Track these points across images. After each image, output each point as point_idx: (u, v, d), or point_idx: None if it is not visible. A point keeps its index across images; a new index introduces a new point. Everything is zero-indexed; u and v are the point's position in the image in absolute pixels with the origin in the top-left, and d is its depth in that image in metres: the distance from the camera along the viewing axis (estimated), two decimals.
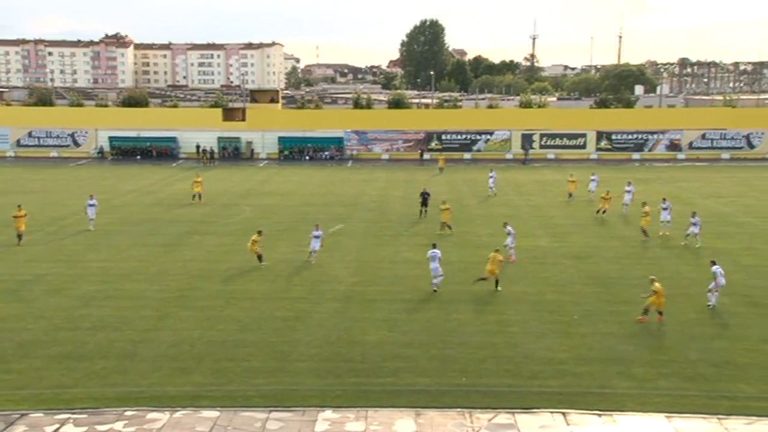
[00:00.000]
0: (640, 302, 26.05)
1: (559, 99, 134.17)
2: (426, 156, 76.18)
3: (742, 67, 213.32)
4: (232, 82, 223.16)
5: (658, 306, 25.08)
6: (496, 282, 29.08)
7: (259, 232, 33.60)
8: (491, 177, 54.88)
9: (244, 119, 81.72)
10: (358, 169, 71.25)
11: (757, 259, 33.69)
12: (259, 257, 32.81)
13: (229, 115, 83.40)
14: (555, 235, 39.28)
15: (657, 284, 25.15)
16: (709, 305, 26.55)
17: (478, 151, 78.36)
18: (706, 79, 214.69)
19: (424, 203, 44.69)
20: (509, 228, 34.67)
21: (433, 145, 78.33)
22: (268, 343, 23.46)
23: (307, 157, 78.16)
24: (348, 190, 56.81)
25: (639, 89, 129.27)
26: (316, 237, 33.45)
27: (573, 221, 43.31)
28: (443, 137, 78.60)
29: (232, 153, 78.96)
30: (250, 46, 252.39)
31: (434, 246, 29.92)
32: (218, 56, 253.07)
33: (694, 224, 36.83)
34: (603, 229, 41.09)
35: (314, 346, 23.21)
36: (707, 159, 75.10)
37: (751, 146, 76.28)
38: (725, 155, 75.78)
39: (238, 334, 24.30)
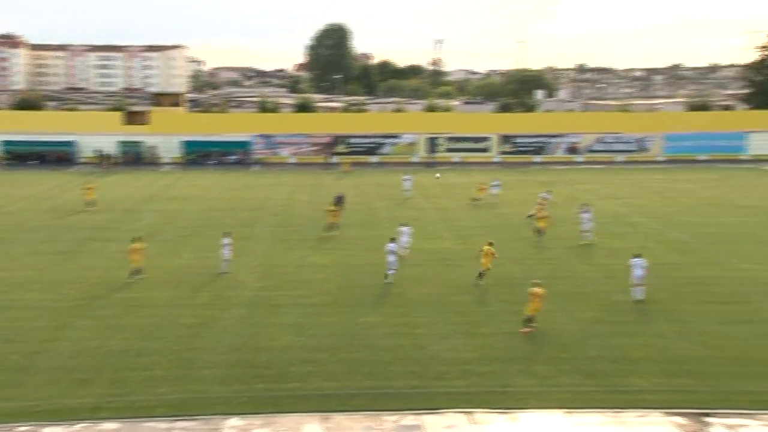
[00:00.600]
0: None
1: (463, 103, 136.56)
2: (334, 159, 76.12)
3: (634, 74, 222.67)
4: (133, 85, 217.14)
5: (534, 313, 24.76)
6: (480, 274, 30.40)
7: (139, 239, 32.00)
8: (407, 180, 55.26)
9: (146, 123, 79.63)
10: (265, 173, 70.54)
11: (649, 258, 34.95)
12: (137, 270, 30.79)
13: (131, 118, 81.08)
14: (460, 238, 39.86)
15: (536, 289, 24.83)
16: (635, 299, 27.52)
17: (385, 154, 78.85)
18: (601, 85, 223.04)
19: (339, 207, 44.71)
20: (404, 228, 35.58)
21: (340, 148, 78.36)
22: (171, 351, 22.89)
23: (213, 162, 76.81)
24: (254, 194, 56.15)
25: (540, 94, 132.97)
26: (226, 245, 32.69)
27: (478, 223, 44.10)
28: (350, 141, 78.72)
29: (134, 158, 76.77)
30: (152, 48, 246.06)
31: (392, 240, 31.42)
32: (119, 58, 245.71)
33: (586, 212, 39.11)
34: (507, 231, 41.97)
35: (220, 352, 22.79)
36: (604, 162, 77.92)
37: (644, 149, 79.64)
38: (620, 158, 78.82)
39: (140, 342, 23.61)
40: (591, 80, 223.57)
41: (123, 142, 77.15)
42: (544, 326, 24.93)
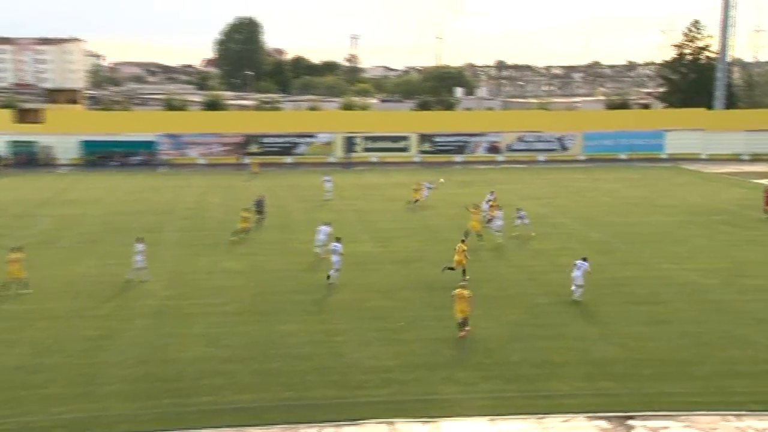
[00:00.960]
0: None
1: (381, 101, 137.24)
2: (246, 160, 75.26)
3: (553, 71, 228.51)
4: (25, 80, 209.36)
5: (463, 315, 25.02)
6: (464, 271, 30.90)
7: (19, 249, 30.64)
8: (327, 181, 55.03)
9: (40, 121, 76.89)
10: (172, 174, 69.25)
11: (571, 258, 35.78)
12: (21, 283, 29.51)
13: (24, 116, 78.23)
14: (379, 240, 40.02)
15: (462, 291, 25.11)
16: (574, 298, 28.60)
17: (300, 154, 78.49)
18: (521, 83, 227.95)
19: (260, 211, 44.24)
20: (323, 228, 36.05)
21: (252, 149, 77.54)
22: (71, 366, 22.14)
23: (115, 163, 74.83)
24: (161, 197, 55.03)
25: (459, 91, 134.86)
26: (139, 251, 31.79)
27: (398, 225, 44.37)
28: (263, 141, 78.03)
29: (27, 159, 73.99)
30: (45, 41, 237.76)
31: (338, 240, 32.10)
32: (7, 51, 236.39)
33: (520, 218, 40.39)
34: (428, 233, 42.35)
35: (125, 366, 22.19)
36: (524, 161, 79.61)
37: (564, 148, 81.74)
38: (541, 157, 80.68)
39: (36, 358, 22.76)
40: (510, 78, 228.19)
41: (14, 142, 74.33)
42: (469, 331, 25.22)
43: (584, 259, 29.58)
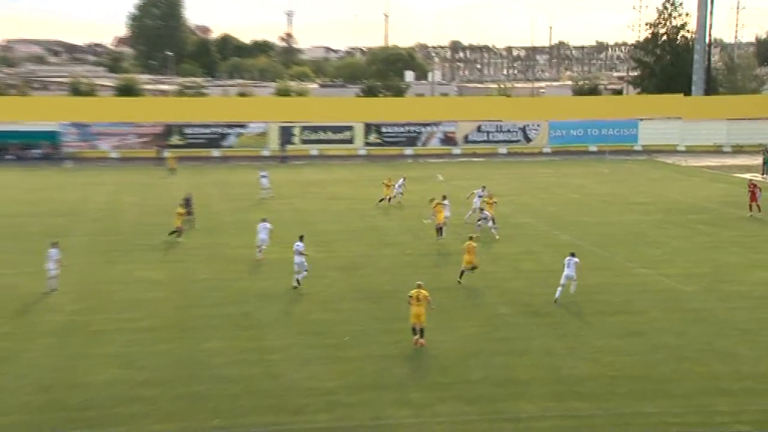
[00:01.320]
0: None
1: (321, 86, 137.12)
2: (166, 153, 74.37)
3: (515, 53, 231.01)
4: None
5: (419, 321, 25.42)
6: (473, 268, 32.45)
7: None
8: (263, 177, 54.76)
9: None
10: (80, 170, 68.22)
11: (536, 264, 36.49)
12: None
13: None
14: (321, 244, 39.97)
15: (419, 291, 25.50)
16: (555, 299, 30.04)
17: (229, 147, 77.98)
18: (479, 65, 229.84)
19: (189, 211, 43.87)
20: (262, 225, 36.71)
21: (174, 140, 76.74)
22: None
23: (11, 157, 73.33)
24: (67, 196, 54.17)
25: (409, 75, 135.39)
26: (53, 258, 31.16)
27: (341, 227, 44.39)
28: (186, 131, 77.33)
29: None
30: None
31: (300, 238, 32.70)
32: None
33: (484, 218, 41.33)
34: (376, 236, 42.46)
35: (23, 393, 21.75)
36: (484, 154, 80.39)
37: (528, 139, 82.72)
38: (502, 149, 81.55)
39: None
40: (467, 60, 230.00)
41: None
42: (421, 347, 25.34)
43: (572, 254, 30.73)
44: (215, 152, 77.38)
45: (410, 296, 25.67)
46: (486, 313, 29.07)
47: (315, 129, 79.86)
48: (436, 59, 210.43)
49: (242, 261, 36.48)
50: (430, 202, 43.12)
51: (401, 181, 52.47)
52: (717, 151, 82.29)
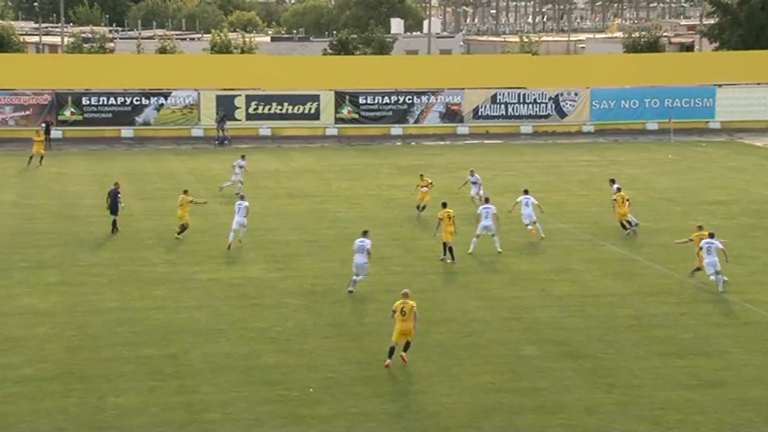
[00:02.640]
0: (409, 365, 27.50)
1: (274, 39, 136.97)
2: (58, 132, 74.08)
3: None
4: None
5: (405, 338, 27.16)
6: (450, 250, 36.99)
7: None
8: (238, 165, 54.90)
9: None
10: None
11: (574, 287, 36.70)
12: None
13: None
14: (275, 260, 40.08)
15: (403, 302, 27.35)
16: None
17: (146, 124, 77.88)
18: (494, 11, 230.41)
19: (113, 209, 43.94)
20: (243, 203, 39.28)
21: (66, 115, 76.53)
22: None
23: None
24: None
25: (397, 25, 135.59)
26: None
27: (302, 237, 44.52)
28: (85, 102, 77.13)
29: None
30: None
31: (364, 234, 35.41)
32: None
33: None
34: (348, 246, 42.39)
35: None
36: (500, 134, 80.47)
37: (562, 114, 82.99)
38: (526, 128, 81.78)
39: None
40: (478, 3, 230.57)
41: None
42: (415, 399, 25.46)
43: (711, 236, 35.17)
44: (126, 131, 77.26)
45: (393, 310, 26.94)
46: (505, 354, 29.16)
47: (266, 100, 79.87)
48: (435, 2, 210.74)
49: (165, 283, 36.44)
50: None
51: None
52: None
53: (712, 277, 35.10)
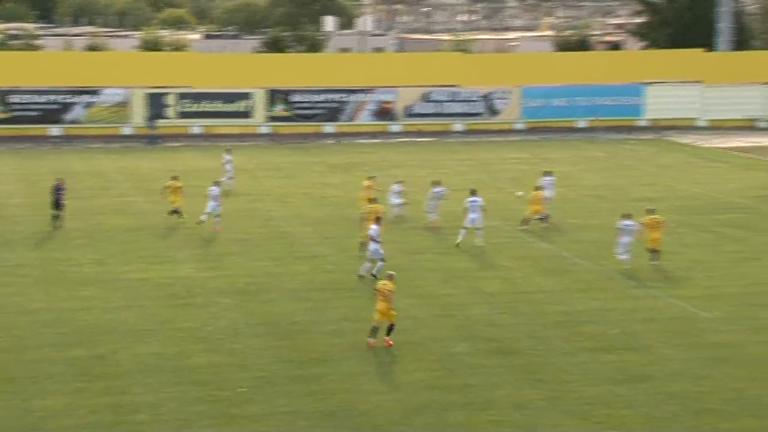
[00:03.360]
0: (339, 356, 27.49)
1: (205, 37, 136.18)
2: None
3: None
4: None
5: (386, 318, 28.61)
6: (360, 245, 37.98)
7: None
8: (227, 161, 55.05)
9: None
10: None
11: (505, 284, 36.92)
12: None
13: None
14: (206, 259, 39.96)
15: (384, 284, 29.06)
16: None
17: (75, 122, 77.03)
18: (426, 9, 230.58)
19: (57, 204, 43.51)
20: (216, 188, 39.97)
21: None
22: None
23: None
24: None
25: (330, 22, 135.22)
26: None
27: (234, 235, 44.33)
28: (11, 100, 76.14)
29: None
30: None
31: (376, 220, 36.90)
32: None
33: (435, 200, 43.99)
34: (283, 246, 42.49)
35: None
36: (433, 132, 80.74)
37: (493, 112, 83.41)
38: (458, 125, 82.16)
39: None
40: (409, 1, 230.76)
41: None
42: (347, 398, 25.45)
43: (628, 216, 38.03)
44: (54, 130, 76.46)
45: (376, 290, 29.27)
46: (437, 351, 29.28)
47: (197, 97, 79.47)
48: (367, 0, 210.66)
49: (94, 283, 36.12)
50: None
51: (396, 187, 47.89)
52: (750, 127, 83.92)
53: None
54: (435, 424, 24.17)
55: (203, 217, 44.18)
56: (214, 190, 44.68)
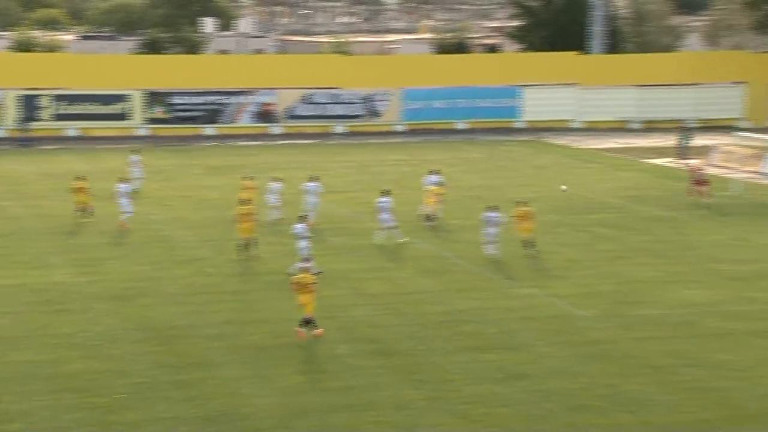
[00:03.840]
0: (221, 362, 27.33)
1: (81, 38, 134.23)
2: None
3: None
4: None
5: (310, 309, 29.82)
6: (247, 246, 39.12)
7: None
8: (135, 162, 54.49)
9: None
10: None
11: (387, 285, 37.11)
12: None
13: None
14: (81, 264, 39.46)
15: (303, 276, 30.06)
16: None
17: None
18: (306, 11, 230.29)
19: None
20: (126, 185, 39.97)
21: None
22: None
23: None
24: None
25: (209, 24, 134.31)
26: None
27: (111, 240, 43.84)
28: None
29: None
30: None
31: (300, 219, 37.88)
32: None
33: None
34: (162, 249, 42.14)
35: None
36: (315, 134, 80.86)
37: (374, 114, 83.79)
38: (339, 127, 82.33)
39: None
40: (289, 3, 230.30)
41: None
42: (228, 402, 25.34)
43: (493, 208, 39.88)
44: None
45: (294, 283, 29.93)
46: (319, 354, 29.39)
47: (73, 99, 78.33)
48: (247, 1, 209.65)
49: None
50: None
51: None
52: (623, 128, 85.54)
53: (487, 247, 40.21)
54: (317, 427, 24.20)
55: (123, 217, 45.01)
56: (123, 187, 45.35)
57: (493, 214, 40.09)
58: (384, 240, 42.71)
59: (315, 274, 30.60)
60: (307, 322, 30.00)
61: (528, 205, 41.28)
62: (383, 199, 43.29)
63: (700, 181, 52.30)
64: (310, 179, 46.78)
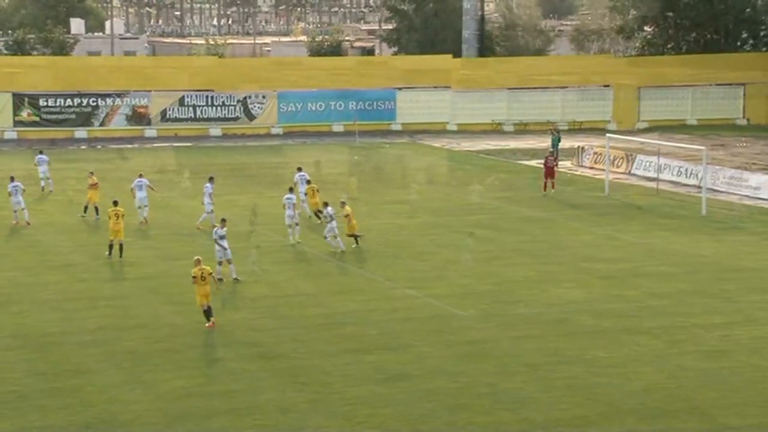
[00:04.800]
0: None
1: None
2: None
3: None
4: None
5: (206, 299, 31.04)
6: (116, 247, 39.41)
7: None
8: (42, 162, 54.79)
9: None
10: None
11: (267, 288, 37.00)
12: None
13: None
14: None
15: (200, 269, 30.93)
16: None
17: None
18: (179, 12, 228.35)
19: None
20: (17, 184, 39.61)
21: None
22: None
23: None
24: None
25: (77, 25, 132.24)
26: None
27: None
28: None
29: None
30: None
31: (222, 222, 37.52)
32: None
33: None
34: (33, 255, 41.44)
35: None
36: (190, 137, 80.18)
37: (251, 116, 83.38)
38: (215, 130, 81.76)
39: None
40: (160, 5, 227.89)
41: None
42: (106, 409, 24.95)
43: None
44: None
45: (193, 276, 30.86)
46: (198, 358, 29.21)
47: None
48: (117, 2, 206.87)
49: None
50: None
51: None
52: (496, 130, 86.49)
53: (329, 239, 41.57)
54: (198, 431, 24.01)
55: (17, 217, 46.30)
56: (16, 185, 46.30)
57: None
58: (297, 239, 43.13)
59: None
60: (207, 313, 31.11)
61: (348, 206, 42.97)
62: (288, 196, 43.51)
63: (549, 172, 55.15)
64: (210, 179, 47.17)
